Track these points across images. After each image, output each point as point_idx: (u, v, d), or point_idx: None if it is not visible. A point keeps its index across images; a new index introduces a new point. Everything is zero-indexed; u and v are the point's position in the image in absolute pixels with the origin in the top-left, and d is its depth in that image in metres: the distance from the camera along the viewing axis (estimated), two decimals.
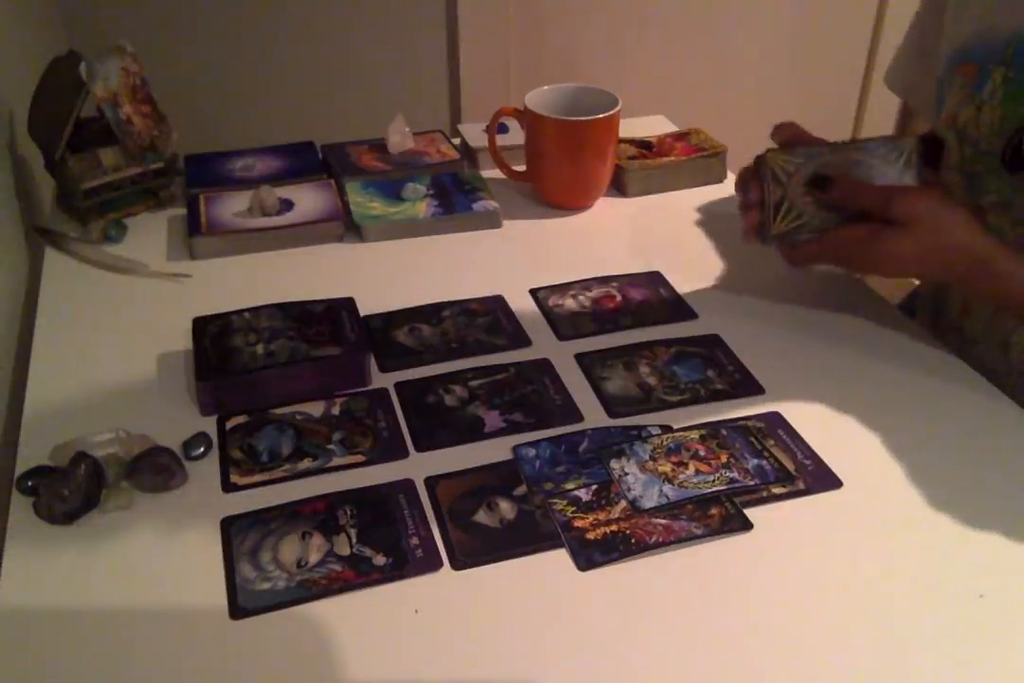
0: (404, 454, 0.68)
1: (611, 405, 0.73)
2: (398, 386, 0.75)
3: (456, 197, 1.00)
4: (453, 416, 0.72)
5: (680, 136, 1.11)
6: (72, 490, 0.61)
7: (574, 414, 0.72)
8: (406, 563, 0.59)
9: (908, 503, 0.64)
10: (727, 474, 0.66)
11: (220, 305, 0.79)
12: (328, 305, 0.79)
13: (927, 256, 0.70)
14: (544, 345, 0.81)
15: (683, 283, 0.89)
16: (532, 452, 0.68)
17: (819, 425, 0.71)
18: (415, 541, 0.61)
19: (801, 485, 0.65)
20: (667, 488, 0.64)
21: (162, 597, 0.57)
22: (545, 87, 1.01)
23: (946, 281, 0.76)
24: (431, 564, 0.59)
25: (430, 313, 0.84)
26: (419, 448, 0.69)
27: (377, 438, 0.70)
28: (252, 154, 1.08)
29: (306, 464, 0.67)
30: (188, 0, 1.59)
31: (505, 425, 0.71)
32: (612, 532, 0.61)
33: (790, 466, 0.67)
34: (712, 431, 0.70)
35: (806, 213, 0.75)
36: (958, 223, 0.70)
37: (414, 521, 0.62)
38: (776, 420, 0.71)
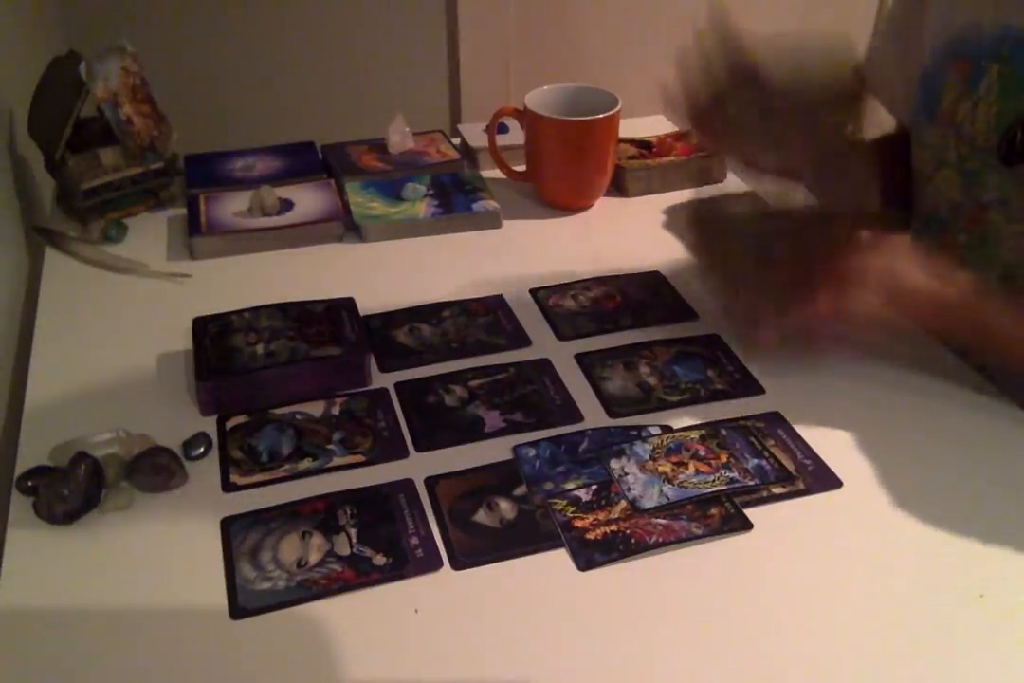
0: (404, 454, 0.68)
1: (611, 405, 0.73)
2: (398, 386, 0.75)
3: (456, 197, 1.00)
4: (453, 416, 0.72)
5: (680, 136, 1.11)
6: (72, 490, 0.61)
7: (574, 414, 0.72)
8: (406, 563, 0.59)
9: (908, 503, 0.64)
10: (727, 474, 0.66)
11: (220, 305, 0.79)
12: (328, 305, 0.79)
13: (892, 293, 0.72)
14: (544, 345, 0.80)
15: (683, 283, 0.89)
16: (532, 452, 0.68)
17: (819, 425, 0.71)
18: (415, 541, 0.61)
19: (801, 485, 0.65)
20: (667, 488, 0.64)
21: (162, 597, 0.57)
22: (545, 87, 1.01)
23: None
24: (431, 564, 0.59)
25: (430, 313, 0.84)
26: (419, 448, 0.69)
27: (377, 438, 0.70)
28: (252, 154, 1.08)
29: (306, 464, 0.67)
30: (188, 0, 1.59)
31: (505, 425, 0.71)
32: (612, 532, 0.61)
33: (790, 466, 0.67)
34: (712, 431, 0.70)
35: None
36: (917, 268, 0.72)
37: (414, 521, 0.62)
38: (776, 420, 0.71)
